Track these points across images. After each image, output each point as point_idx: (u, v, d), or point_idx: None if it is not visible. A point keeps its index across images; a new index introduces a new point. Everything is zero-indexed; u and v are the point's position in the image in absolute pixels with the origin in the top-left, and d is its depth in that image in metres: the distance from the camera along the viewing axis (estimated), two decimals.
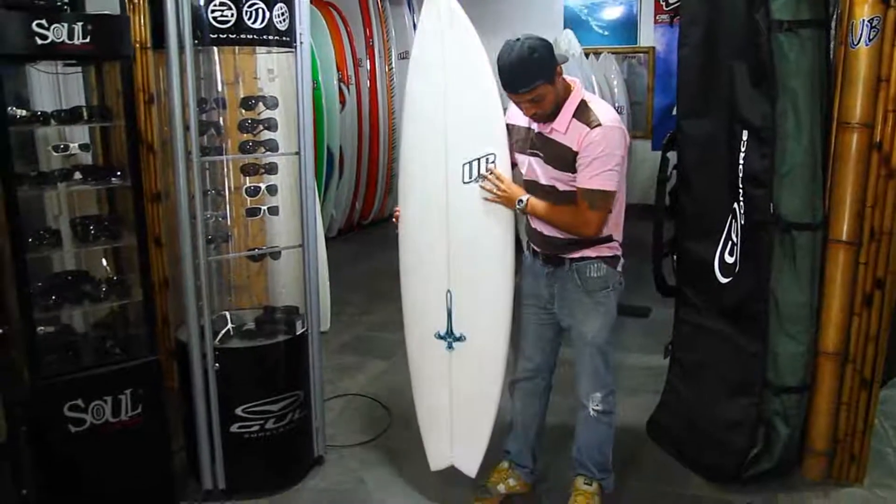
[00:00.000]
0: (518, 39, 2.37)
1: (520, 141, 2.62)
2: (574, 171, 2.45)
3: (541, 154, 2.54)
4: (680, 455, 3.17)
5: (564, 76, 2.49)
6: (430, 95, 2.62)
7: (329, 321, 4.73)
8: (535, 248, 2.71)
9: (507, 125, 2.62)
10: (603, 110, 2.45)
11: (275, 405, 2.87)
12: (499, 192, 2.54)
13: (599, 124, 2.40)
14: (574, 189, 2.48)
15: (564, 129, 2.46)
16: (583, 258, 2.57)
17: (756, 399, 2.87)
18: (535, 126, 2.55)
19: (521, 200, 2.52)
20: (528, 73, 2.36)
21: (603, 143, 2.39)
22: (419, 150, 2.70)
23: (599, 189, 2.41)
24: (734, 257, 2.90)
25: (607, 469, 2.79)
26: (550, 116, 2.47)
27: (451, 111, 2.59)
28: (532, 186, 2.59)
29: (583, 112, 2.44)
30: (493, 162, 2.55)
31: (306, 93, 2.82)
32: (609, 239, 2.57)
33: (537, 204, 2.53)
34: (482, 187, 2.57)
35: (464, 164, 2.59)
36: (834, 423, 2.94)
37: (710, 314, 3.08)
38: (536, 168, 2.57)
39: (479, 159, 2.57)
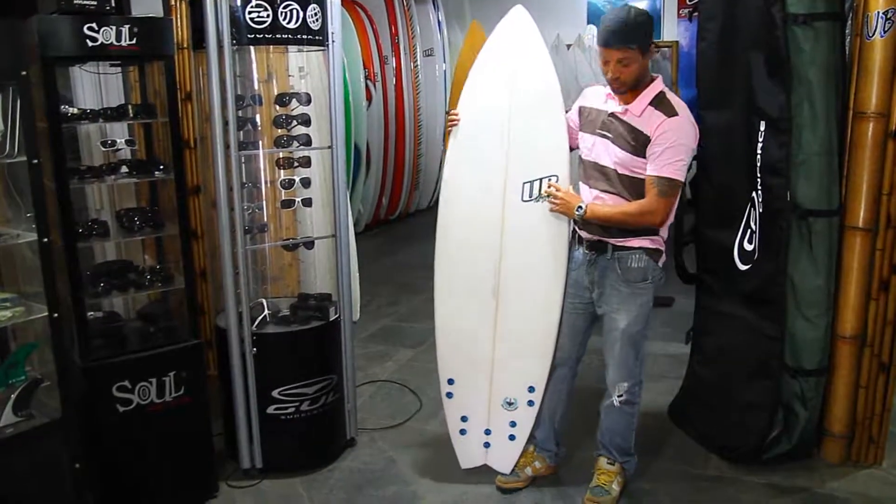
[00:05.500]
0: (626, 4, 2.48)
1: (590, 122, 2.70)
2: (643, 155, 2.52)
3: (609, 135, 2.61)
4: (701, 437, 3.24)
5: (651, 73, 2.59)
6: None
7: (359, 312, 4.85)
8: (580, 233, 2.74)
9: (579, 108, 2.75)
10: (680, 104, 2.53)
11: (309, 388, 2.98)
12: (558, 202, 2.63)
13: (676, 114, 2.49)
14: (632, 174, 2.55)
15: (639, 113, 2.54)
16: (624, 248, 2.64)
17: (775, 382, 2.93)
18: (608, 108, 2.63)
19: (580, 207, 2.60)
20: (626, 34, 2.46)
21: (677, 133, 2.47)
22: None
23: (670, 177, 2.48)
24: (753, 245, 2.95)
25: (629, 453, 2.87)
26: (628, 89, 2.55)
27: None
28: (590, 167, 2.67)
29: (661, 101, 2.53)
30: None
31: (338, 89, 2.92)
32: (655, 231, 2.63)
33: (597, 208, 2.61)
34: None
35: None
36: (852, 406, 2.99)
37: (729, 300, 3.14)
38: (601, 149, 2.64)
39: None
